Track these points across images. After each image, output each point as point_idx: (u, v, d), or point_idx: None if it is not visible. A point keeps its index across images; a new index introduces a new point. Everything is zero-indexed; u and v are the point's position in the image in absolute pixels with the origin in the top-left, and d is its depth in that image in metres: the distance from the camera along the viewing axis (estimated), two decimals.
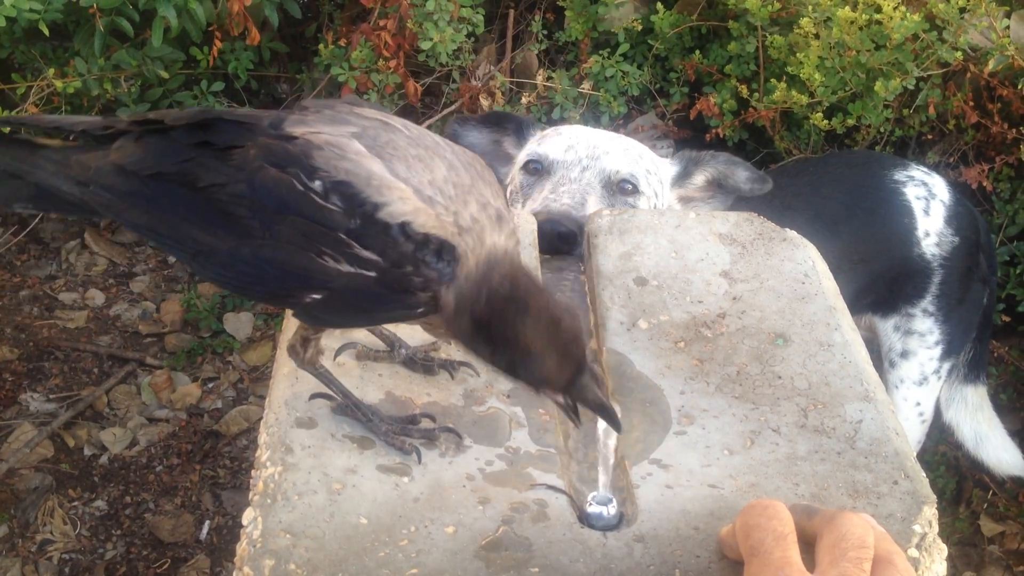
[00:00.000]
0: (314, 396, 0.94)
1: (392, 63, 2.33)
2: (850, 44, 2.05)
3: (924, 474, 0.93)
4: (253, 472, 0.89)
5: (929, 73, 2.10)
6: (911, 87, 2.08)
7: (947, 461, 2.25)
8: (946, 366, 2.03)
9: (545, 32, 2.60)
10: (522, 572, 0.81)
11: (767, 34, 2.26)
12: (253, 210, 0.80)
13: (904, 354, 2.00)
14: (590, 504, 0.89)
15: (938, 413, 2.10)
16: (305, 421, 0.92)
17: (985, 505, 2.20)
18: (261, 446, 0.91)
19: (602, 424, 0.86)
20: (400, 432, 0.92)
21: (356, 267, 0.79)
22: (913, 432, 2.04)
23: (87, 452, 2.26)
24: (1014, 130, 2.12)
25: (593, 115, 2.47)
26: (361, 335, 1.02)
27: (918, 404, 2.02)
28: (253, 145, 0.81)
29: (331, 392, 0.93)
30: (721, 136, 2.38)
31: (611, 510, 0.89)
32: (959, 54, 2.03)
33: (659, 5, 2.39)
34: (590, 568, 0.83)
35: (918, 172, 2.00)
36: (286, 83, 2.86)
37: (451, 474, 0.90)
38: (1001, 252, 2.28)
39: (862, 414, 0.98)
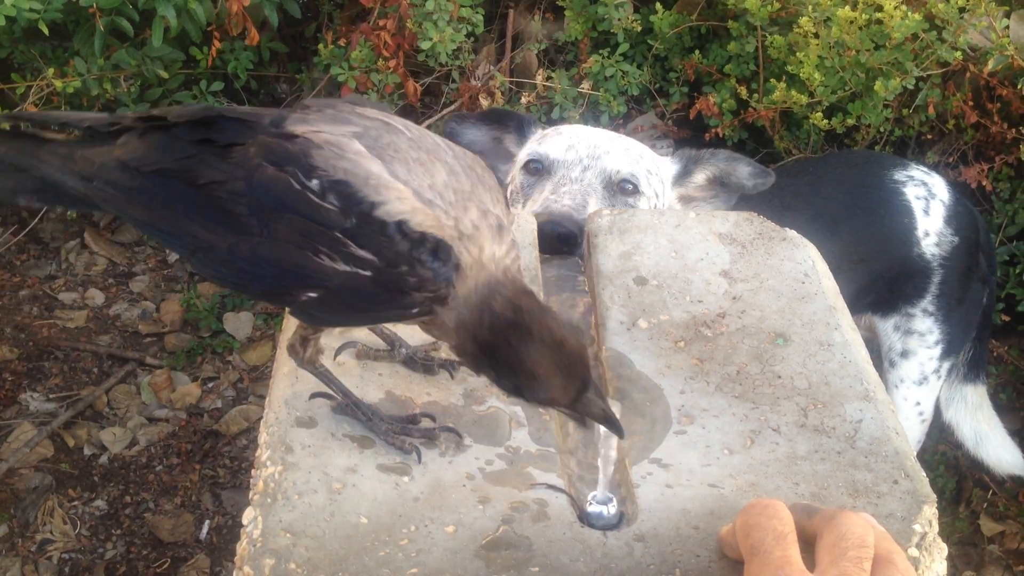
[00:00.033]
0: (314, 395, 0.94)
1: (392, 63, 2.33)
2: (850, 44, 2.05)
3: (924, 473, 0.93)
4: (253, 471, 0.89)
5: (929, 73, 2.10)
6: (911, 87, 2.08)
7: (947, 460, 2.25)
8: (946, 365, 2.03)
9: (545, 32, 2.60)
10: (522, 571, 0.81)
11: (767, 34, 2.27)
12: (251, 208, 0.80)
13: (904, 354, 2.00)
14: (590, 503, 0.89)
15: (938, 413, 2.10)
16: (305, 420, 0.92)
17: (985, 504, 2.20)
18: (261, 445, 0.91)
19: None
20: (400, 431, 0.92)
21: (352, 266, 0.79)
22: (913, 431, 2.04)
23: (87, 452, 2.26)
24: (1013, 130, 2.12)
25: (593, 115, 2.47)
26: (362, 334, 1.02)
27: (918, 403, 2.03)
28: (253, 143, 0.81)
29: (331, 391, 0.93)
30: (721, 136, 2.38)
31: (611, 509, 0.89)
32: (959, 54, 2.03)
33: (658, 5, 2.39)
34: (590, 567, 0.83)
35: (918, 172, 2.00)
36: (286, 83, 2.86)
37: (451, 473, 0.90)
38: (1001, 252, 2.28)
39: (862, 413, 0.98)
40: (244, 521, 0.84)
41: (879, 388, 1.02)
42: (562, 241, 1.35)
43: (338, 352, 1.00)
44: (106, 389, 2.38)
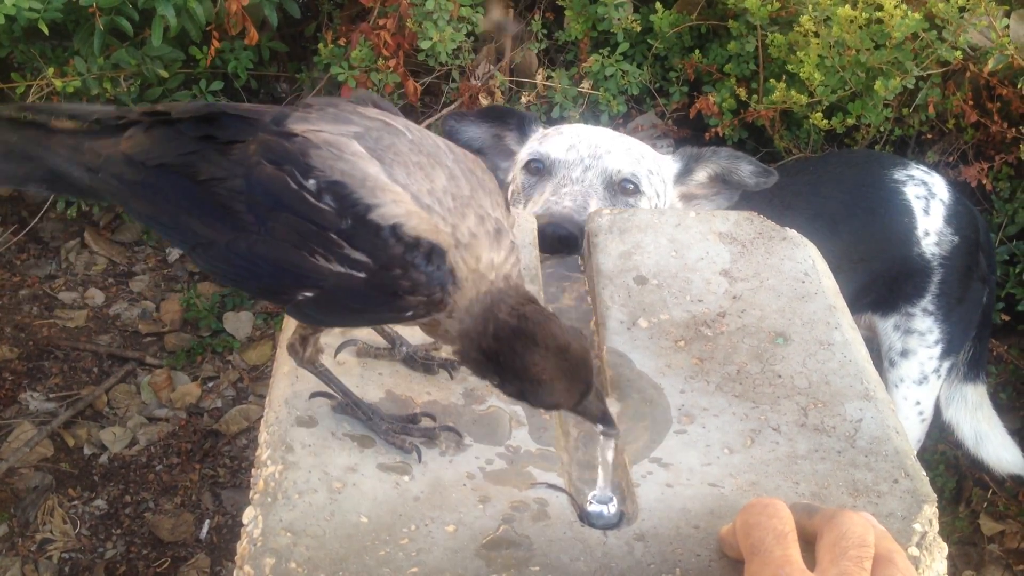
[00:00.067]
0: (314, 395, 0.94)
1: (391, 62, 2.33)
2: (850, 43, 2.05)
3: (924, 473, 0.93)
4: (253, 471, 0.89)
5: (929, 72, 2.10)
6: (911, 86, 2.08)
7: (947, 460, 2.26)
8: (946, 365, 2.03)
9: (545, 31, 2.60)
10: (522, 570, 0.81)
11: (767, 33, 2.26)
12: (249, 205, 0.80)
13: (904, 353, 2.01)
14: (590, 503, 0.89)
15: (938, 412, 2.10)
16: (305, 420, 0.92)
17: (985, 504, 2.20)
18: (261, 445, 0.91)
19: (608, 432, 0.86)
20: (400, 431, 0.92)
21: (347, 267, 0.79)
22: (913, 431, 2.04)
23: (87, 451, 2.26)
24: (1013, 129, 2.12)
25: (593, 114, 2.47)
26: (362, 332, 1.02)
27: (918, 403, 2.03)
28: (254, 140, 0.81)
29: (331, 391, 0.93)
30: (721, 135, 2.38)
31: (611, 509, 0.89)
32: (959, 53, 2.03)
33: (658, 4, 2.39)
34: (590, 567, 0.83)
35: (918, 171, 2.00)
36: (286, 82, 2.86)
37: (451, 473, 0.90)
38: (1001, 251, 2.28)
39: (862, 413, 0.98)
40: (244, 520, 0.84)
41: (879, 387, 1.02)
42: (562, 243, 1.35)
43: (338, 350, 1.00)
44: (106, 389, 2.38)
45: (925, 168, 2.03)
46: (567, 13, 2.53)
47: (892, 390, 2.00)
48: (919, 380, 2.01)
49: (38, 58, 2.35)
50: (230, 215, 0.81)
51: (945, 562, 0.86)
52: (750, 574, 0.75)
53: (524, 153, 1.75)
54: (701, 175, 1.77)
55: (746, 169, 1.73)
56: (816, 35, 2.10)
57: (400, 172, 0.80)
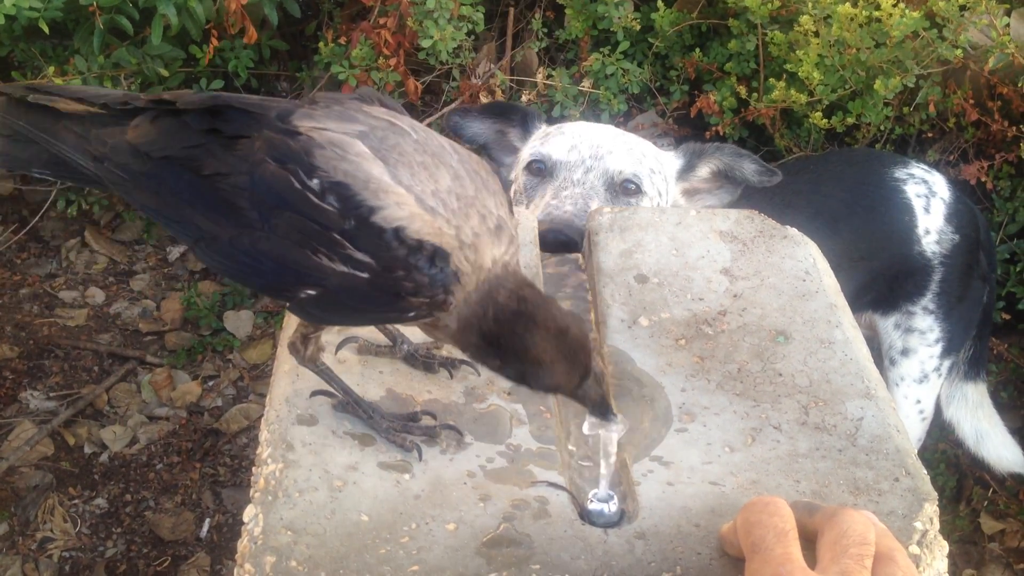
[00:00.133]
0: (315, 393, 0.94)
1: (392, 61, 2.33)
2: (850, 42, 2.05)
3: (925, 471, 0.93)
4: (254, 469, 0.89)
5: (929, 71, 2.10)
6: (911, 85, 2.08)
7: (947, 459, 2.25)
8: (946, 364, 2.03)
9: (545, 30, 2.60)
10: (523, 569, 0.81)
11: (767, 32, 2.26)
12: (253, 202, 0.80)
13: (904, 352, 2.00)
14: (591, 501, 0.89)
15: (938, 411, 2.10)
16: (306, 418, 0.92)
17: (985, 503, 2.20)
18: (262, 443, 0.91)
19: (604, 422, 0.86)
20: (401, 429, 0.92)
21: (350, 267, 0.79)
22: (913, 430, 2.04)
23: (87, 450, 2.26)
24: (1014, 128, 2.12)
25: (593, 113, 2.46)
26: (363, 330, 1.02)
27: (918, 402, 2.03)
28: (259, 137, 0.81)
29: (332, 389, 0.93)
30: (721, 134, 2.38)
31: (612, 507, 0.89)
32: (959, 52, 2.03)
33: (659, 3, 2.39)
34: (591, 565, 0.83)
35: (918, 170, 2.00)
36: (286, 81, 2.86)
37: (452, 471, 0.90)
38: (1001, 250, 2.28)
39: (863, 411, 0.98)
40: (245, 519, 0.84)
41: (880, 386, 1.02)
42: (563, 247, 1.35)
43: (339, 348, 1.00)
44: (106, 387, 2.38)
45: (926, 167, 2.03)
46: (567, 12, 2.53)
47: (893, 389, 2.00)
48: (920, 379, 2.01)
49: (38, 57, 2.35)
50: (234, 211, 0.81)
51: (946, 560, 0.86)
52: (751, 572, 0.75)
53: (526, 153, 1.75)
54: (704, 171, 1.77)
55: (749, 168, 1.73)
56: (816, 34, 2.10)
57: (404, 173, 0.80)
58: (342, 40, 2.44)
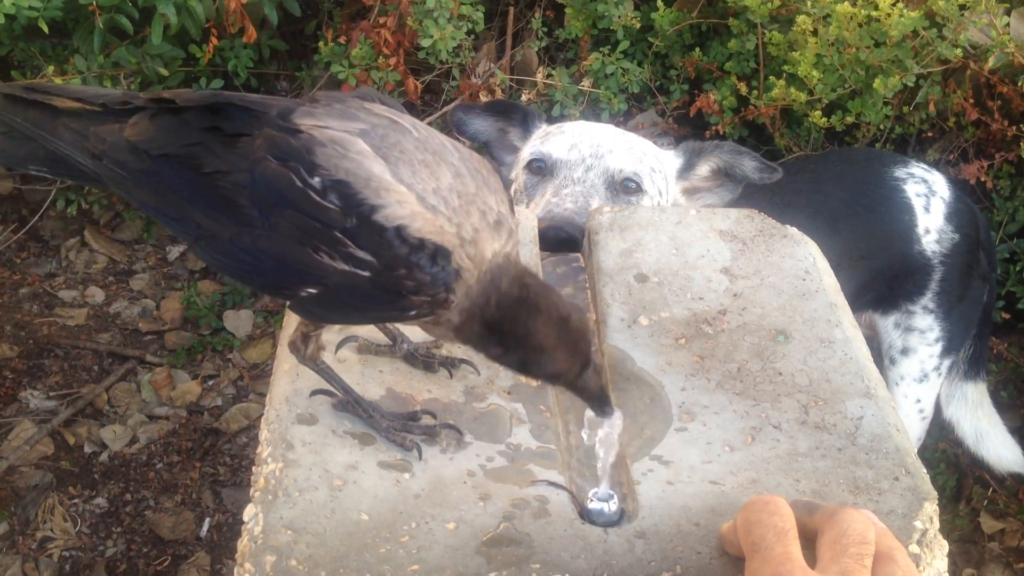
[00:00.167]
0: (315, 392, 0.94)
1: (392, 60, 2.33)
2: (849, 41, 2.05)
3: (925, 470, 0.93)
4: (254, 468, 0.89)
5: (929, 70, 2.10)
6: (911, 84, 2.08)
7: (947, 458, 2.26)
8: (946, 363, 2.03)
9: (545, 29, 2.60)
10: (523, 568, 0.81)
11: (767, 31, 2.26)
12: (253, 200, 0.80)
13: (904, 351, 2.01)
14: (591, 500, 0.89)
15: (938, 410, 2.10)
16: (306, 417, 0.92)
17: (985, 502, 2.20)
18: (262, 442, 0.91)
19: (604, 421, 0.87)
20: (401, 428, 0.92)
21: (351, 266, 0.79)
22: (913, 429, 2.04)
23: (87, 449, 2.26)
24: (1014, 127, 2.12)
25: (593, 112, 2.46)
26: (363, 329, 1.02)
27: (918, 401, 2.03)
28: (260, 135, 0.81)
29: (332, 388, 0.93)
30: (721, 133, 2.38)
31: (612, 506, 0.89)
32: (959, 51, 2.03)
33: (659, 2, 2.39)
34: (591, 564, 0.83)
35: (918, 169, 2.00)
36: (286, 81, 2.86)
37: (452, 470, 0.90)
38: (1001, 249, 2.28)
39: (863, 410, 0.98)
40: (245, 518, 0.84)
41: (880, 385, 1.02)
42: (563, 245, 1.35)
43: (339, 347, 1.00)
44: (106, 387, 2.38)
45: (925, 166, 2.03)
46: (567, 11, 2.53)
47: (892, 388, 2.00)
48: (919, 378, 2.01)
49: (38, 56, 2.35)
50: (234, 209, 0.81)
51: (945, 560, 0.86)
52: (751, 572, 0.75)
53: (526, 152, 1.75)
54: (704, 169, 1.77)
55: (749, 165, 1.73)
56: (814, 33, 2.10)
57: (405, 171, 0.80)
58: (342, 39, 2.44)
